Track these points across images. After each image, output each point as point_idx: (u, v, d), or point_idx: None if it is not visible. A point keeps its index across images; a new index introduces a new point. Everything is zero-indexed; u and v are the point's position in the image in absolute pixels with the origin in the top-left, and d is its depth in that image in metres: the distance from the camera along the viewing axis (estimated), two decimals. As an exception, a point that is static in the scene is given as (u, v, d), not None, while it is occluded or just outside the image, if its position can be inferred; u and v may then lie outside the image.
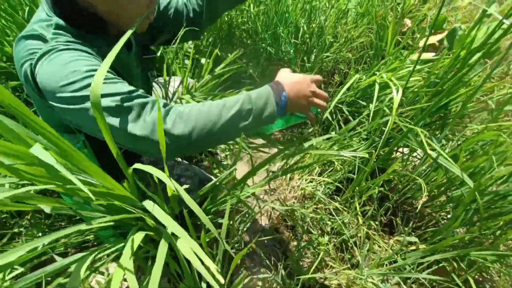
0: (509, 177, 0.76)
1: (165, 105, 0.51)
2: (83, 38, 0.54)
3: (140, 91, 0.51)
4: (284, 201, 1.17)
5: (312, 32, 1.26)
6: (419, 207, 0.92)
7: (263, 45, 1.30)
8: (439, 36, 1.54)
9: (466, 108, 0.94)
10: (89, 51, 0.52)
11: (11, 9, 0.83)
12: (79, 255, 0.43)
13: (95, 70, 0.47)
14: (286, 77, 0.62)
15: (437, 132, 0.99)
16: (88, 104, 0.45)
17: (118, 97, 0.47)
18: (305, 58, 1.29)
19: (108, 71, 0.51)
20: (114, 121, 0.46)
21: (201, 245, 0.46)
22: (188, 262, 0.48)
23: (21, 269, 0.60)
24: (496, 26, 0.71)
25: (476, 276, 1.02)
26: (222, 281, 0.36)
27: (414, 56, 1.56)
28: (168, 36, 0.81)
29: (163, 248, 0.39)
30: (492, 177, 0.72)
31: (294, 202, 1.14)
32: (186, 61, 1.25)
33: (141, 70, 0.75)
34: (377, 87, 0.99)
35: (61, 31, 0.52)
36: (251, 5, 1.25)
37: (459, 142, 0.91)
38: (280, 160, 1.26)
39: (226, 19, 1.34)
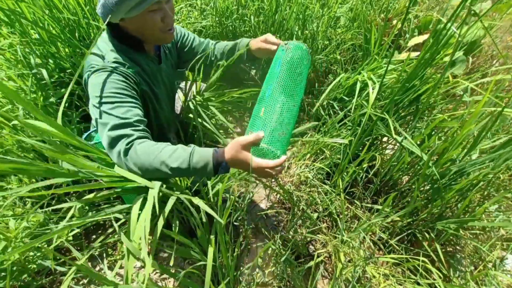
0: (464, 155, 0.91)
1: (135, 139, 0.70)
2: (128, 54, 0.79)
3: (132, 120, 0.71)
4: (283, 186, 1.35)
5: (305, 38, 1.44)
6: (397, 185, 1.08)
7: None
8: (425, 36, 1.67)
9: (431, 100, 1.09)
10: (125, 73, 0.76)
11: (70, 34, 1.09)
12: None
13: (117, 93, 0.72)
14: (237, 158, 0.69)
15: (411, 123, 1.14)
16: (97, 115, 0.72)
17: (112, 119, 0.70)
18: (300, 60, 1.46)
19: (126, 92, 0.75)
20: (100, 131, 0.71)
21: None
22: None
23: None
24: (443, 31, 0.86)
25: (449, 249, 1.16)
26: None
27: (403, 56, 1.71)
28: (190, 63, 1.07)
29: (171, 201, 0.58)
30: (448, 157, 0.88)
31: (290, 186, 1.31)
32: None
33: (171, 79, 1.01)
34: (358, 85, 1.15)
35: (113, 48, 0.78)
36: (252, 16, 1.44)
37: (422, 130, 1.06)
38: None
39: (230, 28, 1.53)
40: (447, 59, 1.53)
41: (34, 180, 0.99)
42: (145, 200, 0.64)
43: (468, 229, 1.05)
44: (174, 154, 0.67)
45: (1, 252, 0.73)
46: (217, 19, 1.47)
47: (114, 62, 0.75)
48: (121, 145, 0.68)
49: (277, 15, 1.43)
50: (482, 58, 1.64)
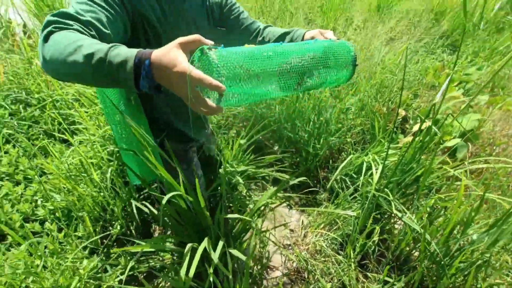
0: (461, 234, 1.02)
1: (68, 28, 0.53)
2: None
3: (85, 19, 0.57)
4: (299, 254, 1.45)
5: (320, 123, 1.74)
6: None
7: (285, 131, 1.80)
8: (427, 124, 1.92)
9: (427, 183, 1.26)
10: None
11: None
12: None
13: None
14: (164, 56, 0.47)
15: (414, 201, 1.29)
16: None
17: (68, 9, 0.58)
18: (316, 141, 1.74)
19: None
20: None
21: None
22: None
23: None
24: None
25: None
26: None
27: (408, 139, 1.94)
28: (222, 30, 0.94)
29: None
30: (445, 234, 1.00)
31: (306, 254, 1.41)
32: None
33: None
34: (365, 165, 1.36)
35: None
36: (277, 106, 1.80)
37: (420, 208, 1.19)
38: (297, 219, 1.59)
39: (259, 113, 1.90)
40: (448, 144, 1.74)
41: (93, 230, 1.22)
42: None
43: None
44: (96, 44, 0.50)
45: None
46: (248, 107, 1.86)
47: None
48: (49, 28, 0.53)
49: (297, 104, 1.79)
50: (486, 143, 1.82)
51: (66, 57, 0.49)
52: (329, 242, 1.43)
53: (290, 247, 1.55)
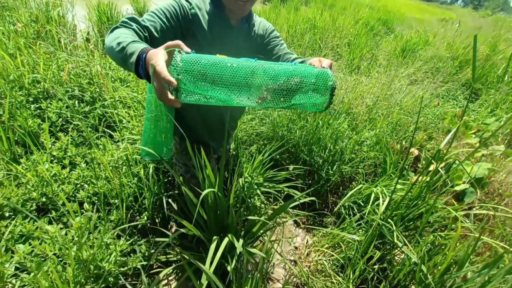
0: (457, 271, 1.09)
1: (129, 27, 0.76)
2: (210, 7, 0.95)
3: (144, 24, 0.80)
4: (302, 269, 1.54)
5: (336, 151, 1.88)
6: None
7: (302, 154, 1.94)
8: (435, 166, 2.00)
9: (430, 220, 1.34)
10: (182, 5, 0.89)
11: None
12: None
13: (162, 9, 0.85)
14: (155, 53, 0.60)
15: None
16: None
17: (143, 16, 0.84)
18: (329, 167, 1.87)
19: (167, 14, 0.85)
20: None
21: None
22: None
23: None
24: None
25: None
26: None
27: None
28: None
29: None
30: (440, 268, 1.08)
31: (307, 270, 1.50)
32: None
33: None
34: (373, 195, 1.47)
35: None
36: (298, 131, 1.96)
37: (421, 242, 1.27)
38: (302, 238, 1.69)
39: (280, 134, 2.06)
40: (457, 188, 1.82)
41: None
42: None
43: None
44: (128, 38, 0.69)
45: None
46: (271, 127, 2.03)
47: (188, 0, 0.91)
48: (117, 24, 0.75)
49: (316, 131, 1.94)
50: (495, 193, 1.88)
51: (111, 42, 0.69)
52: (331, 263, 1.51)
53: (293, 263, 1.64)
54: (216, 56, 0.63)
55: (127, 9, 4.56)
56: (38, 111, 1.78)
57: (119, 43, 0.67)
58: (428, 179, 1.34)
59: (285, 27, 3.73)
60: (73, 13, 2.69)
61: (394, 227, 1.22)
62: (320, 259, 1.53)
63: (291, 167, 1.99)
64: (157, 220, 1.44)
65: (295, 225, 1.85)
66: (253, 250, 0.92)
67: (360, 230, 1.52)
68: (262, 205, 1.66)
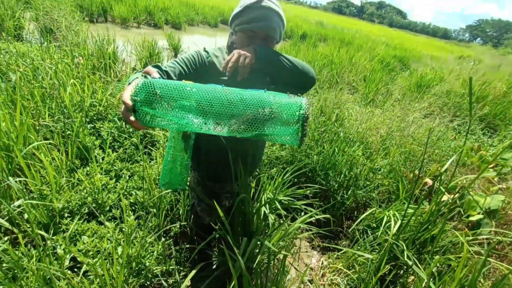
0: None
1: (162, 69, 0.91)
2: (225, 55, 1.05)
3: (164, 68, 0.92)
4: (318, 286, 1.62)
5: (350, 177, 2.01)
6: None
7: (318, 178, 2.09)
8: (451, 196, 2.07)
9: (442, 244, 1.42)
10: (201, 55, 1.02)
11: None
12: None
13: (184, 58, 0.98)
14: (135, 82, 0.66)
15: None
16: None
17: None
18: (344, 191, 2.00)
19: (187, 61, 0.98)
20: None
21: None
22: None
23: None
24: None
25: None
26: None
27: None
28: None
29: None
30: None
31: (322, 288, 1.58)
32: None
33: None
34: (385, 219, 1.58)
35: (222, 48, 1.09)
36: (315, 156, 2.14)
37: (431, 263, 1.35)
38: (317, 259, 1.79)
39: (298, 158, 2.24)
40: (472, 218, 1.88)
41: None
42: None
43: None
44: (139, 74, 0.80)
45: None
46: (291, 152, 2.22)
47: (206, 50, 1.04)
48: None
49: (332, 157, 2.11)
50: (509, 224, 1.90)
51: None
52: (345, 282, 1.59)
53: (308, 283, 1.72)
54: (182, 81, 0.66)
55: (163, 44, 5.14)
56: (92, 130, 2.09)
57: (132, 78, 0.81)
58: (438, 208, 1.45)
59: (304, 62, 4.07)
60: (125, 49, 3.15)
61: (405, 248, 1.32)
62: (335, 278, 1.61)
63: (307, 191, 2.14)
64: (186, 230, 1.62)
65: (311, 246, 1.95)
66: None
67: (373, 252, 1.61)
68: (281, 220, 1.80)
